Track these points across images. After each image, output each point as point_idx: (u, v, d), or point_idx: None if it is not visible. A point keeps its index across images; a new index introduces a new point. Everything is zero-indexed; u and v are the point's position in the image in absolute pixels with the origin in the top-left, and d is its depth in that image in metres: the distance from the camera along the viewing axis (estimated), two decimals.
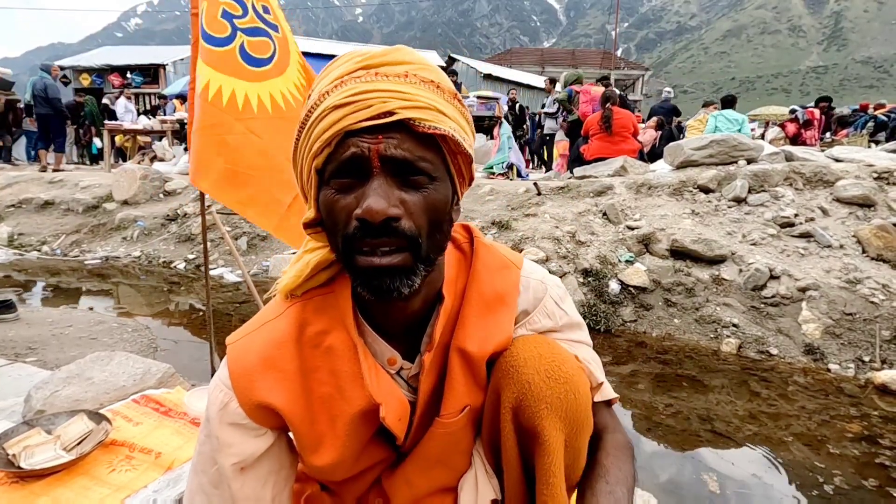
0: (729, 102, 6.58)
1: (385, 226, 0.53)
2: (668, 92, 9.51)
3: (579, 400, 0.64)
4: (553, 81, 8.65)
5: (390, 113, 0.53)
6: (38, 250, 5.14)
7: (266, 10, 1.88)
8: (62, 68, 10.71)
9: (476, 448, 0.74)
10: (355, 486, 0.74)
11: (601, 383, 0.74)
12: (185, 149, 7.18)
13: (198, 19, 1.84)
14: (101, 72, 16.00)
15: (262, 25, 1.84)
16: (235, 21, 1.80)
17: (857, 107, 10.59)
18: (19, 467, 1.12)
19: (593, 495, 0.64)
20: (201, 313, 3.36)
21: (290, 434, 0.72)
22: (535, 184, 4.62)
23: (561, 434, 0.63)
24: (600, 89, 6.30)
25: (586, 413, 0.65)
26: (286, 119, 1.84)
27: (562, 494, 0.64)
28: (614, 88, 6.06)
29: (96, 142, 9.98)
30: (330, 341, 0.65)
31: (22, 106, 9.31)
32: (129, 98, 10.12)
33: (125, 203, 5.80)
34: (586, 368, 0.70)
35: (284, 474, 0.71)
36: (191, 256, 4.72)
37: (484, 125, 10.04)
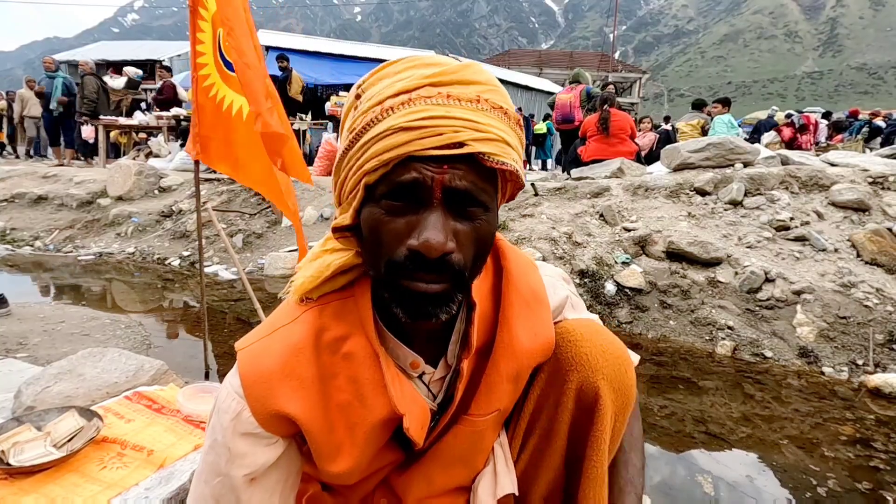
0: (726, 104, 6.62)
1: (438, 259, 0.52)
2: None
3: (629, 374, 0.69)
4: None
5: (461, 144, 0.51)
6: (31, 245, 5.09)
7: None
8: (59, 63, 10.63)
9: (499, 442, 0.74)
10: (361, 487, 0.74)
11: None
12: (182, 145, 7.13)
13: (195, 14, 1.84)
14: (98, 67, 15.88)
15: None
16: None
17: (848, 112, 10.70)
18: (8, 464, 1.10)
19: (613, 465, 0.70)
20: (195, 310, 3.33)
21: (299, 436, 0.71)
22: (532, 184, 4.62)
23: (613, 405, 0.66)
24: (567, 97, 6.36)
25: (632, 388, 0.69)
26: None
27: (606, 462, 0.68)
28: (611, 90, 6.08)
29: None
30: (349, 347, 0.63)
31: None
32: None
33: (120, 199, 5.76)
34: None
35: (291, 482, 0.70)
36: (185, 253, 4.69)
37: None
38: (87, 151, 8.41)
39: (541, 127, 12.55)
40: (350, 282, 0.66)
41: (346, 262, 0.63)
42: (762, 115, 13.40)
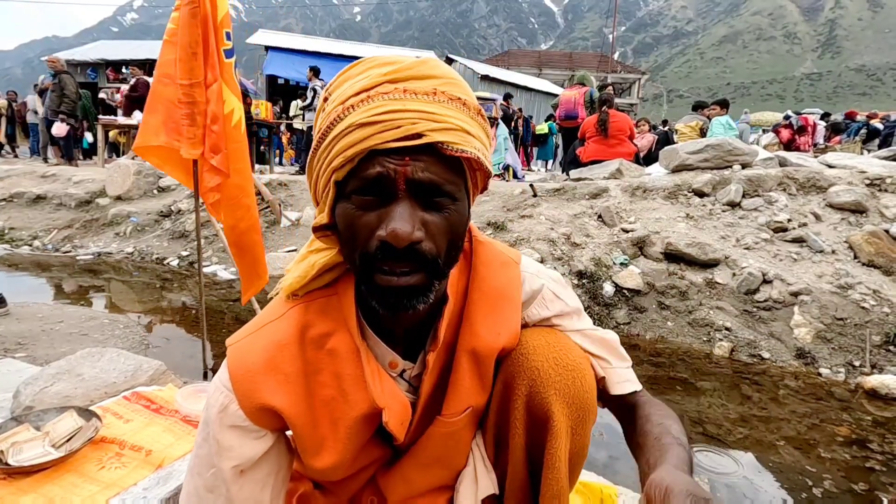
0: (724, 106, 6.64)
1: (407, 249, 0.53)
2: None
3: (585, 387, 0.67)
4: (316, 71, 8.44)
5: (419, 135, 0.52)
6: (30, 245, 5.09)
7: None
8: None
9: (475, 442, 0.75)
10: (350, 484, 0.75)
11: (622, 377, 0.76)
12: None
13: (196, 12, 1.83)
14: (97, 66, 15.87)
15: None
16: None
17: (845, 114, 10.74)
18: (7, 464, 1.11)
19: (640, 433, 0.65)
20: (194, 311, 3.33)
21: (289, 433, 0.71)
22: (531, 185, 4.63)
23: (567, 419, 0.65)
24: (571, 93, 6.36)
25: (591, 400, 0.68)
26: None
27: (564, 479, 0.66)
28: (610, 91, 6.10)
29: (87, 136, 9.88)
30: (333, 343, 0.65)
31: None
32: None
33: (118, 198, 5.76)
34: (590, 359, 0.73)
35: (282, 475, 0.71)
36: (184, 253, 4.69)
37: None
38: (69, 151, 8.21)
39: (542, 127, 12.56)
40: (335, 279, 0.67)
41: (330, 260, 0.64)
42: (766, 116, 13.46)
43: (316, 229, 0.62)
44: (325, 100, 0.59)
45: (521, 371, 0.66)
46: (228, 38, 1.94)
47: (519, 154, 10.16)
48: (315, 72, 8.20)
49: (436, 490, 0.75)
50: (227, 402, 0.64)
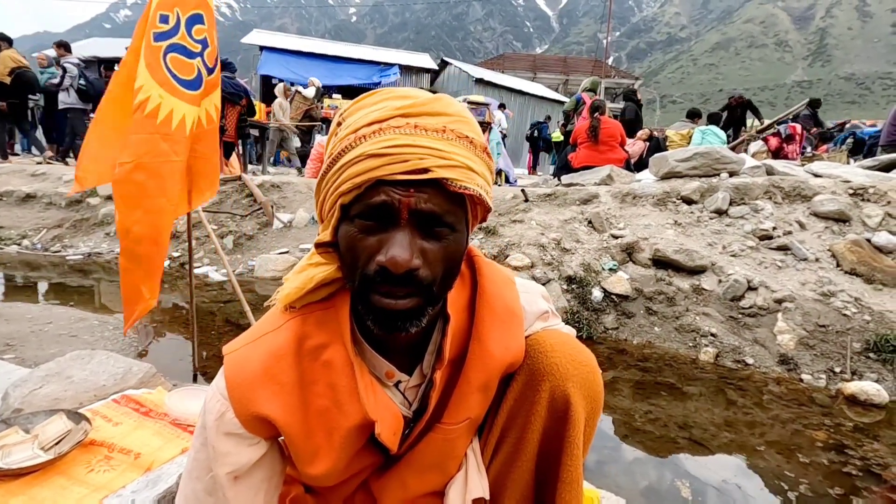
0: (716, 119, 6.74)
1: (405, 275, 0.56)
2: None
3: (598, 381, 0.72)
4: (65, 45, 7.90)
5: (426, 170, 0.55)
6: (18, 244, 5.04)
7: (198, 20, 1.83)
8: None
9: (471, 447, 0.78)
10: (342, 489, 0.77)
11: None
12: None
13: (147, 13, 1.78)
14: (89, 63, 15.75)
15: (190, 45, 1.82)
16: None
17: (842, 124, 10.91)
18: None
19: None
20: (184, 312, 3.33)
21: (282, 440, 0.73)
22: (522, 190, 4.67)
23: (584, 410, 0.70)
24: (584, 125, 6.43)
25: (602, 394, 0.72)
26: (198, 137, 1.87)
27: (581, 466, 0.71)
28: (601, 98, 6.17)
29: None
30: (328, 355, 0.67)
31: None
32: None
33: (109, 198, 5.72)
34: None
35: (275, 481, 0.73)
36: (175, 254, 4.67)
37: None
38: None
39: (557, 135, 12.65)
40: (332, 293, 0.69)
41: (328, 275, 0.66)
42: (758, 123, 13.59)
43: (318, 245, 0.65)
44: (339, 124, 0.62)
45: (541, 368, 0.70)
46: (164, 20, 1.77)
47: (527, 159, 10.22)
48: (65, 47, 7.35)
49: (429, 494, 0.78)
50: (224, 409, 0.66)
